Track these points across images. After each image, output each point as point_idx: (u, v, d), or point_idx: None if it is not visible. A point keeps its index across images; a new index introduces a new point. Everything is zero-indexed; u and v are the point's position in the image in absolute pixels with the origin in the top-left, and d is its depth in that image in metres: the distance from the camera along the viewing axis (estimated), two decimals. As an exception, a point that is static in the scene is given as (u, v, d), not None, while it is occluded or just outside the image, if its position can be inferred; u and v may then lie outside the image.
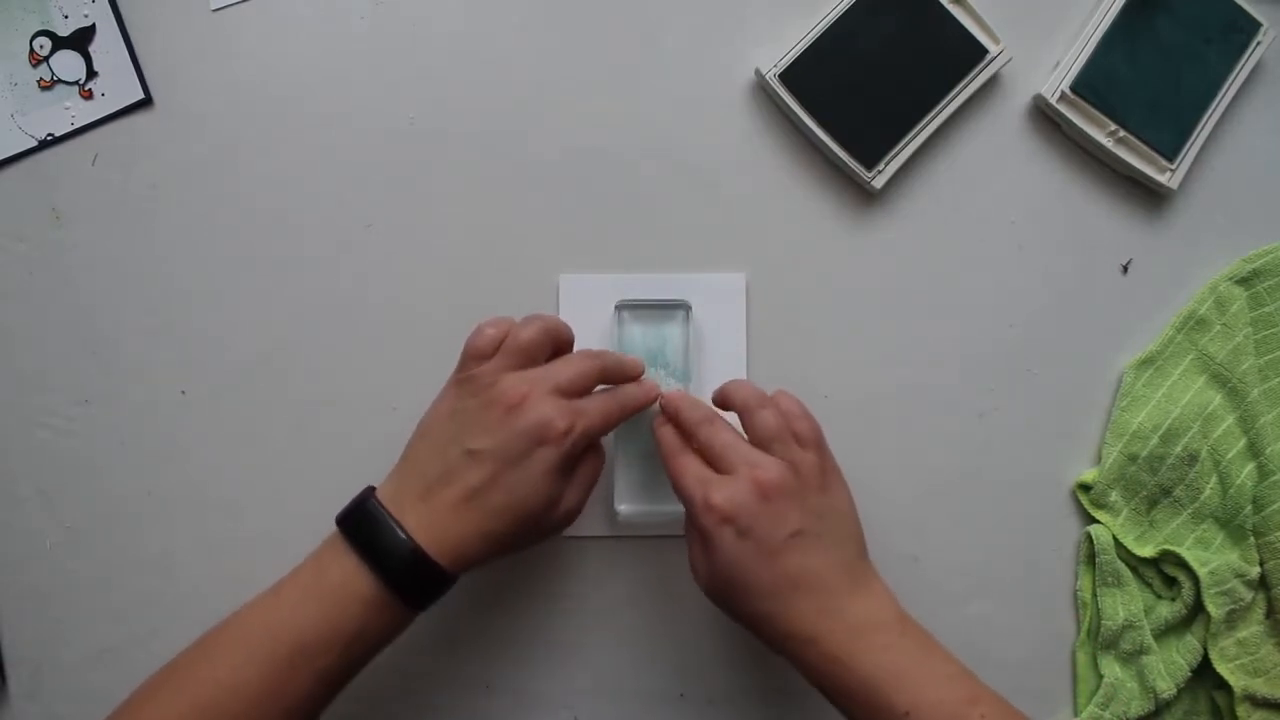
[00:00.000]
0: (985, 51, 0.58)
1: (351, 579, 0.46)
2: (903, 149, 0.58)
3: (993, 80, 0.59)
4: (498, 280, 0.59)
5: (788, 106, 0.58)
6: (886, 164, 0.58)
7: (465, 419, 0.48)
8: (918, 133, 0.58)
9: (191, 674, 0.46)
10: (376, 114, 0.60)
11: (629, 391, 0.52)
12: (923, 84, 0.58)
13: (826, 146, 0.58)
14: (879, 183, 0.58)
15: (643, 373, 0.53)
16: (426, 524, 0.47)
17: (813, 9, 0.59)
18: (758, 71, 0.58)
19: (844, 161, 0.57)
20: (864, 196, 0.60)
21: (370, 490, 0.49)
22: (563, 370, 0.49)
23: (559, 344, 0.52)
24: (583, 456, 0.50)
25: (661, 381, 0.58)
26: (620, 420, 0.51)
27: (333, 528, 0.59)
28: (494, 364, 0.49)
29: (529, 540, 0.50)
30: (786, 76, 0.57)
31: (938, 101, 0.58)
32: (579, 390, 0.49)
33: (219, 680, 0.45)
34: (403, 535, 0.46)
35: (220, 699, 0.45)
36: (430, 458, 0.49)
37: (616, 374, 0.52)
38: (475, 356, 0.50)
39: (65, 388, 0.59)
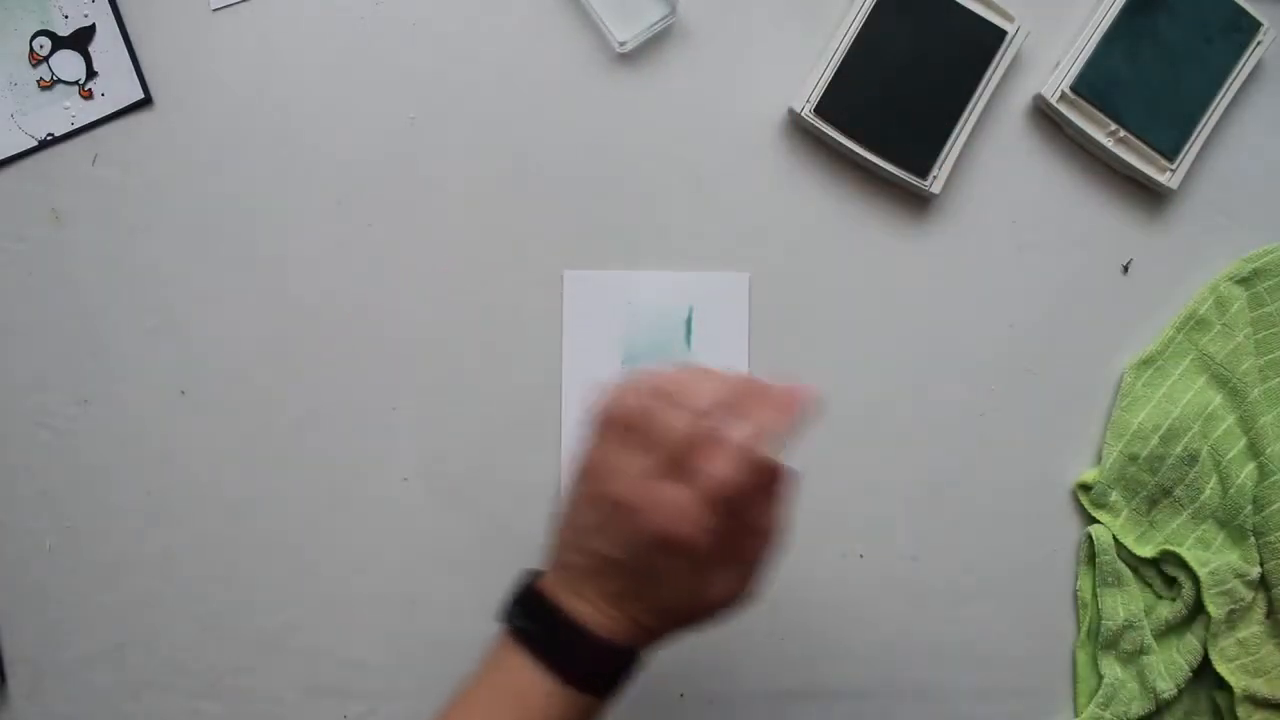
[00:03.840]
0: (1003, 32, 0.58)
1: (530, 674, 0.43)
2: (952, 147, 0.57)
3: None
4: (501, 277, 0.59)
5: (829, 137, 0.58)
6: (939, 167, 0.57)
7: (595, 515, 0.43)
8: (962, 126, 0.57)
9: None
10: (376, 114, 0.60)
11: (760, 423, 0.41)
12: (953, 79, 0.58)
13: (878, 166, 0.58)
14: (936, 188, 0.58)
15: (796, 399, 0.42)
16: (585, 614, 0.43)
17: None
18: (791, 110, 0.58)
19: (898, 176, 0.58)
20: (865, 197, 0.60)
21: (529, 579, 0.45)
22: (675, 428, 0.41)
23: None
24: (741, 538, 0.43)
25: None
26: (745, 486, 0.41)
27: (335, 527, 0.59)
28: (624, 453, 0.42)
29: (699, 625, 0.45)
30: (821, 109, 0.57)
31: (972, 92, 0.57)
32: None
33: None
34: (567, 623, 0.43)
35: None
36: (571, 551, 0.44)
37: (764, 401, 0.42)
38: (608, 425, 0.43)
39: (65, 388, 0.59)
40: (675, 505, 0.40)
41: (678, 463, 0.41)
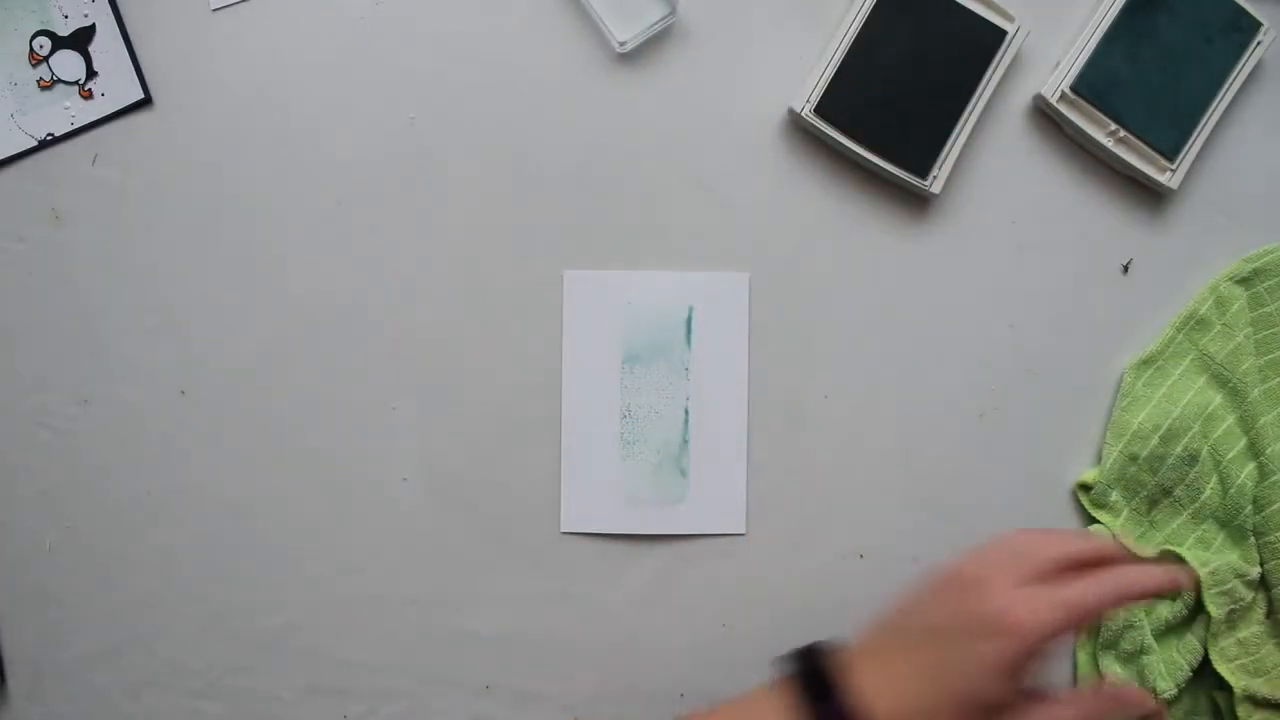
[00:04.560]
0: (1003, 32, 0.58)
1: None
2: (952, 147, 0.58)
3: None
4: (501, 277, 0.59)
5: (829, 137, 0.58)
6: (940, 167, 0.58)
7: (931, 594, 0.46)
8: (962, 126, 0.57)
9: None
10: (376, 114, 0.60)
11: (1129, 575, 0.43)
12: (953, 79, 0.58)
13: (878, 166, 0.58)
14: (936, 188, 0.58)
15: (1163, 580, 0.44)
16: (875, 688, 0.44)
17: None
18: (791, 110, 0.58)
19: (898, 176, 0.57)
20: (865, 197, 0.60)
21: (822, 645, 0.47)
22: (1042, 550, 0.44)
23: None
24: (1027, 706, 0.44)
25: (674, 376, 0.58)
26: (1101, 610, 0.43)
27: (335, 527, 0.59)
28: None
29: None
30: (821, 109, 0.57)
31: (972, 92, 0.57)
32: (1058, 572, 0.44)
33: None
34: (844, 701, 0.44)
35: None
36: (892, 625, 0.47)
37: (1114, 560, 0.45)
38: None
39: (65, 388, 0.59)
40: (1031, 593, 0.42)
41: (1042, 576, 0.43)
